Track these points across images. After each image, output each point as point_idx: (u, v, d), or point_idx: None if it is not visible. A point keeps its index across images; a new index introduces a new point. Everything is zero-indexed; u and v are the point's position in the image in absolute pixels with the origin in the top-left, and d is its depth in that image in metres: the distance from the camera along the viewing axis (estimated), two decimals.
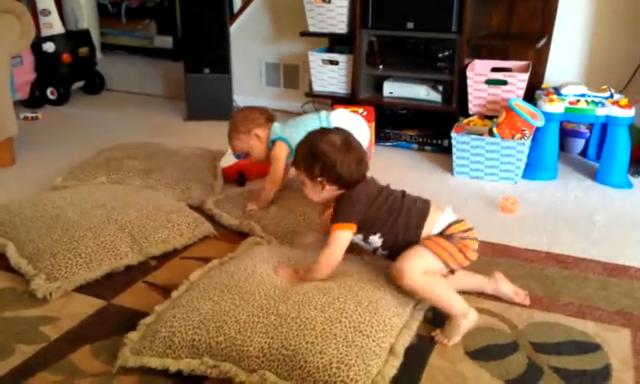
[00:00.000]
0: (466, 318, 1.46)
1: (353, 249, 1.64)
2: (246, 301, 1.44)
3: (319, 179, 1.58)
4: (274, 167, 2.19)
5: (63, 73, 3.95)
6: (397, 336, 1.41)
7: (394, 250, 1.55)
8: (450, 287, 1.51)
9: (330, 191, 1.59)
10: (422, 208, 1.58)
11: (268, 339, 1.32)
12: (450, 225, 1.55)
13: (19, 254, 1.79)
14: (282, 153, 2.20)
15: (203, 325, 1.38)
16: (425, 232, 1.54)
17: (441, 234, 1.54)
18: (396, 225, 1.54)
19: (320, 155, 1.55)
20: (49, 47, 3.85)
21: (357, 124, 2.34)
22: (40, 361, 1.40)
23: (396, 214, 1.55)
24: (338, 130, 1.66)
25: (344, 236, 1.54)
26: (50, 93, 3.91)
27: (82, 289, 1.71)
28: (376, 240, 1.57)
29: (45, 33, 3.89)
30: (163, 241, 1.94)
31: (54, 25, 3.94)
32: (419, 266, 1.47)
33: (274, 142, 2.21)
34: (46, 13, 3.92)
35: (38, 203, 2.03)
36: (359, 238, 1.60)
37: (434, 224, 1.55)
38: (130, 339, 1.42)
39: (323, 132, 1.64)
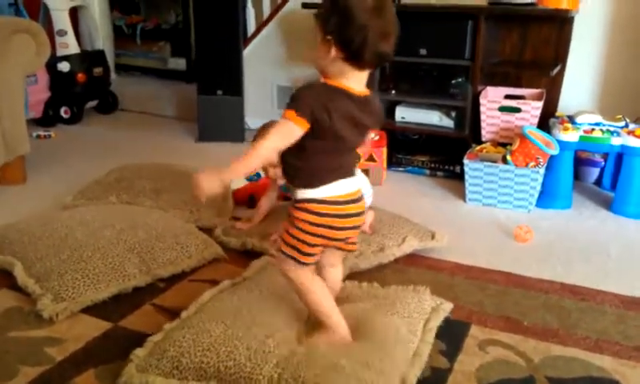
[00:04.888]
0: None
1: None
2: (259, 329, 1.40)
3: (328, 37, 1.27)
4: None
5: (77, 92, 3.97)
6: (408, 366, 1.37)
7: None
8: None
9: (332, 60, 1.28)
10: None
11: (278, 370, 1.29)
12: None
13: (26, 274, 1.78)
14: None
15: (213, 348, 1.35)
16: None
17: None
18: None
19: (343, 6, 1.25)
20: (64, 67, 3.89)
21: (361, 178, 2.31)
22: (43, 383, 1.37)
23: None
24: None
25: (287, 128, 1.27)
26: (64, 112, 3.93)
27: (89, 310, 1.68)
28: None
29: (60, 52, 3.93)
30: (172, 263, 1.91)
31: (69, 45, 3.97)
32: None
33: None
34: (62, 33, 3.96)
35: (47, 222, 2.02)
36: None
37: None
38: (137, 355, 1.39)
39: None
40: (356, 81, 1.32)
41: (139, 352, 1.40)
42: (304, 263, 1.38)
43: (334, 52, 1.27)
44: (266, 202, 2.24)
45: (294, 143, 1.29)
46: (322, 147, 1.32)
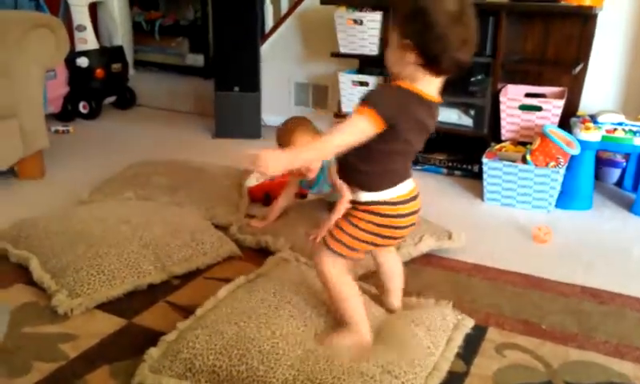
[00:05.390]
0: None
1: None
2: (272, 331, 1.39)
3: (406, 42, 1.22)
4: (339, 183, 2.14)
5: (96, 88, 4.00)
6: (426, 377, 1.35)
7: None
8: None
9: (408, 64, 1.25)
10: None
11: (293, 372, 1.27)
12: None
13: (42, 269, 1.78)
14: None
15: (226, 351, 1.34)
16: None
17: None
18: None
19: (423, 11, 1.19)
20: (82, 62, 3.91)
21: None
22: (56, 380, 1.38)
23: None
24: None
25: (363, 125, 1.23)
26: (82, 107, 3.96)
27: (104, 306, 1.68)
28: None
29: (79, 48, 3.96)
30: (187, 260, 1.91)
31: (88, 40, 4.00)
32: None
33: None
34: (82, 28, 3.99)
35: (63, 217, 2.03)
36: None
37: None
38: (150, 356, 1.38)
39: None
40: (429, 86, 1.29)
41: (153, 352, 1.39)
42: (347, 258, 1.39)
43: (411, 57, 1.23)
44: (284, 200, 2.22)
45: (359, 144, 1.26)
46: (390, 150, 1.30)
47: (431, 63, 1.23)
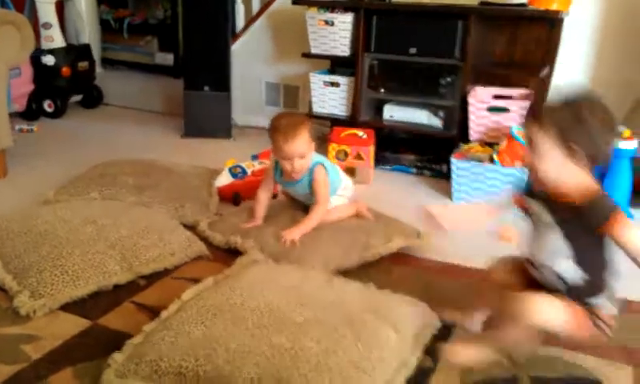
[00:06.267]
0: None
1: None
2: (238, 328, 1.38)
3: (570, 145, 1.31)
4: (323, 192, 2.11)
5: (61, 86, 3.92)
6: (394, 373, 1.35)
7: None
8: None
9: (565, 165, 1.34)
10: None
11: (259, 370, 1.26)
12: None
13: (4, 269, 1.74)
14: (326, 178, 2.12)
15: (192, 351, 1.32)
16: None
17: None
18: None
19: (585, 122, 1.31)
20: (48, 60, 3.84)
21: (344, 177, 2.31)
22: (19, 382, 1.34)
23: None
24: (601, 102, 1.37)
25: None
26: (47, 105, 3.88)
27: (68, 307, 1.65)
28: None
29: (45, 46, 3.88)
30: (154, 260, 1.88)
31: (54, 38, 3.92)
32: None
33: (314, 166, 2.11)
34: (48, 26, 3.91)
35: (26, 218, 1.98)
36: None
37: None
38: (115, 360, 1.35)
39: (591, 98, 1.36)
40: None
41: (117, 357, 1.36)
42: None
43: (572, 159, 1.33)
44: (264, 195, 2.19)
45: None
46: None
47: (591, 161, 1.34)
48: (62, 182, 2.53)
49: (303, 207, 2.20)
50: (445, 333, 1.59)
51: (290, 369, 1.26)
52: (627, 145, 2.45)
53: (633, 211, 2.52)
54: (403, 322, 1.52)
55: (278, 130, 2.02)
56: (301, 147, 2.03)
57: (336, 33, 3.07)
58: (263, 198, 2.19)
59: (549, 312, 1.37)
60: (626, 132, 2.48)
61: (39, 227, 1.91)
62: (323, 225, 2.10)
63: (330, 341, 1.34)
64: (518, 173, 2.47)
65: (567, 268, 1.38)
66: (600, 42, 2.92)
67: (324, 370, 1.26)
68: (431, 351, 1.49)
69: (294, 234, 2.01)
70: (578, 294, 1.39)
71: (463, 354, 1.49)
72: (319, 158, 2.16)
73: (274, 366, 1.27)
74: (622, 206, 2.48)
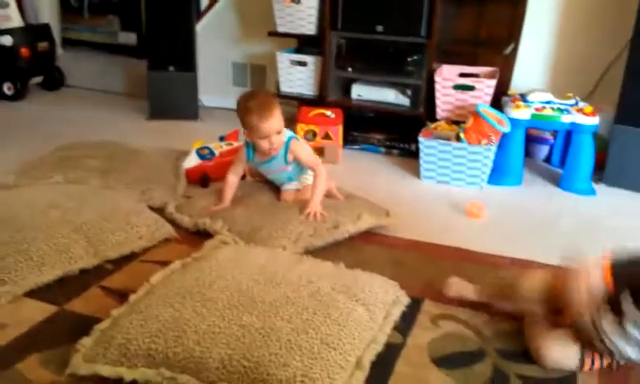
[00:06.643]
0: None
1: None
2: (208, 309, 1.38)
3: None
4: (312, 158, 2.16)
5: (21, 67, 3.81)
6: (364, 349, 1.37)
7: None
8: None
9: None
10: None
11: (229, 350, 1.26)
12: None
13: None
14: (305, 145, 2.21)
15: (161, 333, 1.31)
16: None
17: None
18: None
19: None
20: (6, 41, 3.71)
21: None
22: None
23: None
24: None
25: None
26: (7, 88, 3.77)
27: (33, 293, 1.62)
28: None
29: (2, 25, 3.75)
30: (121, 243, 1.86)
31: (12, 17, 3.80)
32: None
33: (289, 140, 2.13)
34: (4, 5, 3.78)
35: None
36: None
37: None
38: (83, 345, 1.34)
39: None
40: None
41: (85, 341, 1.35)
42: None
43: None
44: (234, 178, 2.18)
45: None
46: None
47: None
48: (24, 166, 2.46)
49: (275, 187, 2.19)
50: (414, 310, 1.61)
51: (260, 348, 1.26)
52: (590, 120, 2.50)
53: (595, 186, 2.59)
54: (373, 300, 1.53)
55: (251, 111, 2.01)
56: (277, 124, 2.05)
57: (302, 10, 3.04)
58: (233, 181, 2.18)
59: (567, 361, 1.40)
60: (588, 108, 2.53)
61: (1, 213, 1.86)
62: (292, 204, 2.11)
63: (301, 320, 1.35)
64: (483, 150, 2.50)
65: (632, 354, 1.36)
66: (564, 18, 2.96)
67: (295, 348, 1.27)
68: (401, 328, 1.51)
69: (316, 206, 2.03)
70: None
71: (455, 288, 1.65)
72: (290, 133, 2.17)
73: (245, 345, 1.27)
74: (585, 180, 2.55)
